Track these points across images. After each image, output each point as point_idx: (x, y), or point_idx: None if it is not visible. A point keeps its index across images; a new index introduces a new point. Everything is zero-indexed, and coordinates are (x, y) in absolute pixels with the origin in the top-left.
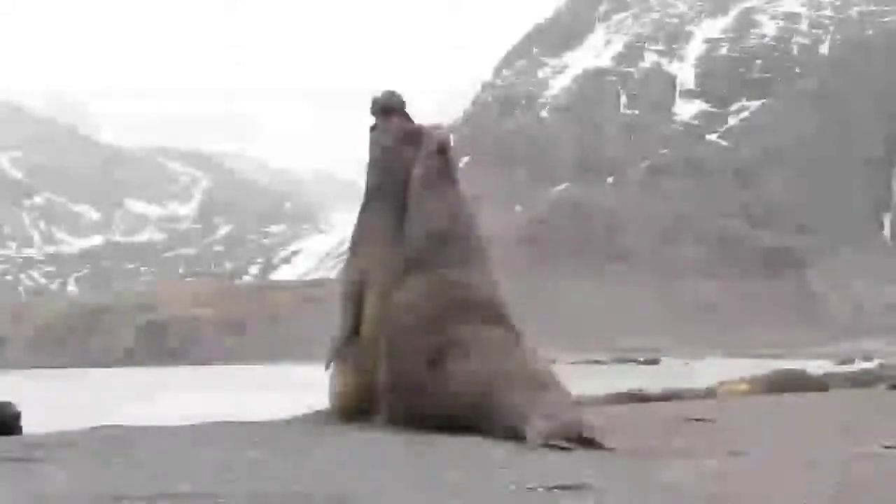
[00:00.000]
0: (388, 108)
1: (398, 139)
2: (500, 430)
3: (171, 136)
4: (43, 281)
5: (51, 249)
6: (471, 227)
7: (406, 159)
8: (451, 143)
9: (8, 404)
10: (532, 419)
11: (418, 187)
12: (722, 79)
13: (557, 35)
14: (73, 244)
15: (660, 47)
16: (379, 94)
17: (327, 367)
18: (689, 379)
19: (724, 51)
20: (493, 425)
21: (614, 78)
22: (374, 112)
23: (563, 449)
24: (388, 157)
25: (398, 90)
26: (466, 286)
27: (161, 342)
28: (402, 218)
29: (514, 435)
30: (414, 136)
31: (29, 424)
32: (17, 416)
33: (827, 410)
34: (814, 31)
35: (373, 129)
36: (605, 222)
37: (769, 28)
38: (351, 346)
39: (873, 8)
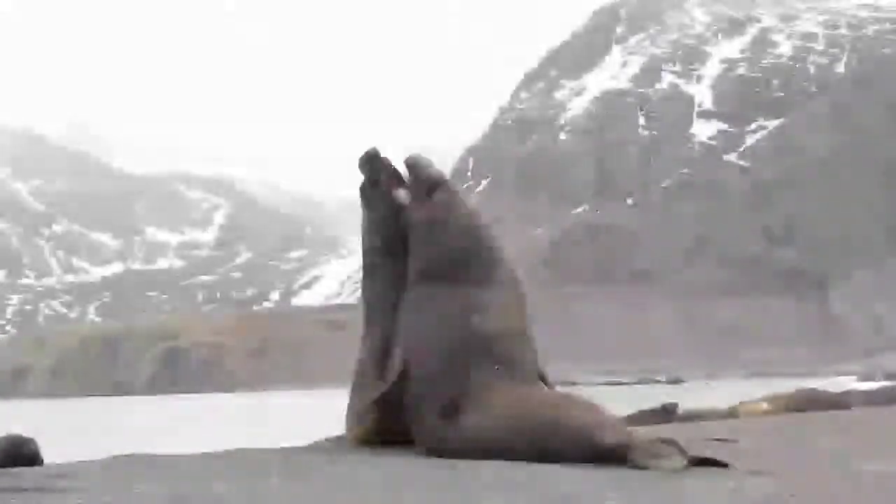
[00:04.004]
0: (377, 174)
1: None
2: (566, 449)
3: (190, 163)
4: (63, 310)
5: (70, 278)
6: (492, 242)
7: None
8: (443, 176)
9: (27, 440)
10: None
11: (425, 223)
12: (739, 99)
13: (575, 57)
14: (93, 273)
15: (677, 68)
16: (364, 161)
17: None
18: (711, 399)
19: (741, 71)
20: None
21: (632, 99)
22: (370, 179)
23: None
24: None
25: (375, 147)
26: (485, 311)
27: (182, 370)
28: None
29: (587, 451)
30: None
31: (51, 454)
32: (36, 454)
33: (848, 429)
34: (830, 50)
35: (365, 189)
36: (624, 243)
37: (785, 48)
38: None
39: (889, 27)
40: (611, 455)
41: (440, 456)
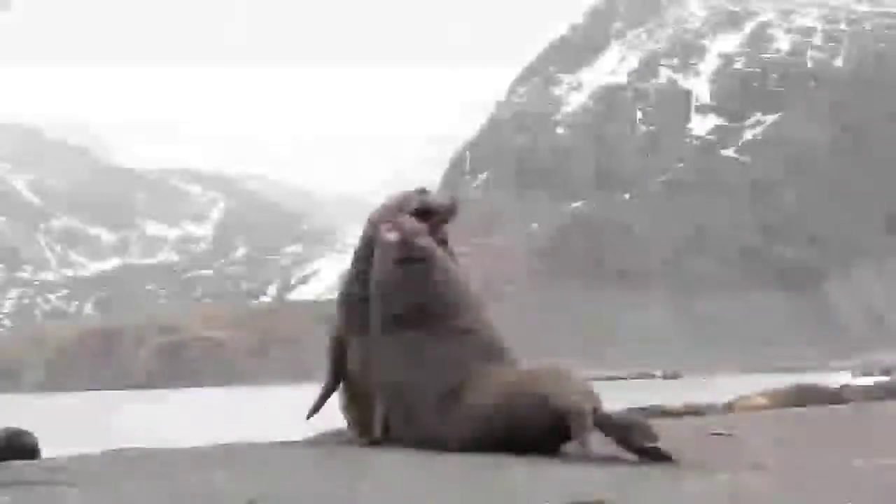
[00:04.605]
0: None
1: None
2: (533, 428)
3: (188, 158)
4: (60, 304)
5: (68, 273)
6: (465, 278)
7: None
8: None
9: (25, 433)
10: (568, 397)
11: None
12: (737, 93)
13: (573, 52)
14: (90, 267)
15: (675, 63)
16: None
17: (309, 418)
18: (708, 394)
19: (738, 65)
20: (526, 427)
21: (630, 94)
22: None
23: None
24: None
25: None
26: (470, 331)
27: (179, 364)
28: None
29: (545, 415)
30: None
31: (48, 448)
32: (35, 446)
33: (846, 424)
34: (828, 44)
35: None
36: (622, 238)
37: (783, 42)
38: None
39: (887, 21)
40: (567, 420)
41: (432, 447)
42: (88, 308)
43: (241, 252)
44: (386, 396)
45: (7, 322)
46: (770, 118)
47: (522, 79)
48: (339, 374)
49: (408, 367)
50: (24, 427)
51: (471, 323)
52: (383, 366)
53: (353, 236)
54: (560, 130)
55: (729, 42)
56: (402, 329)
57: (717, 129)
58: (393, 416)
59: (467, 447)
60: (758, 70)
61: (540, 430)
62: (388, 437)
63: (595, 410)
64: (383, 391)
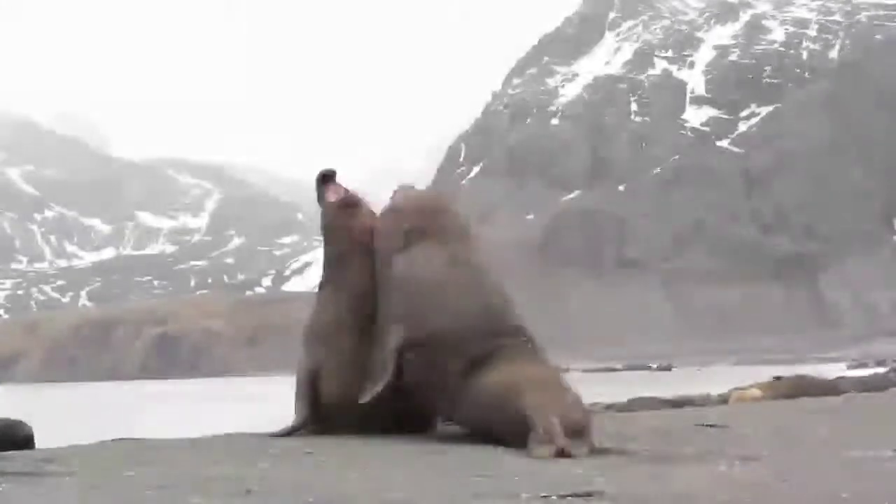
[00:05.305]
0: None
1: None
2: (513, 430)
3: (182, 148)
4: (55, 295)
5: (62, 263)
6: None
7: (347, 227)
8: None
9: (20, 423)
10: (543, 416)
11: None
12: (732, 85)
13: (567, 43)
14: (85, 258)
15: (670, 54)
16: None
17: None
18: (702, 385)
19: (733, 57)
20: (507, 427)
21: (624, 85)
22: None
23: (564, 456)
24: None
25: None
26: (477, 271)
27: (173, 355)
28: (356, 301)
29: (525, 434)
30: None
31: (42, 438)
32: (30, 436)
33: (839, 415)
34: (823, 36)
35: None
36: (616, 230)
37: (779, 34)
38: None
39: (882, 13)
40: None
41: (450, 421)
42: (83, 299)
43: (235, 243)
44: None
45: (1, 313)
46: (765, 110)
47: (517, 70)
48: (314, 407)
49: (434, 298)
50: (19, 418)
51: (469, 250)
52: (406, 284)
53: None
54: (555, 122)
55: (724, 33)
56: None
57: (711, 121)
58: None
59: (472, 420)
60: (753, 62)
61: (518, 436)
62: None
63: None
64: (409, 311)
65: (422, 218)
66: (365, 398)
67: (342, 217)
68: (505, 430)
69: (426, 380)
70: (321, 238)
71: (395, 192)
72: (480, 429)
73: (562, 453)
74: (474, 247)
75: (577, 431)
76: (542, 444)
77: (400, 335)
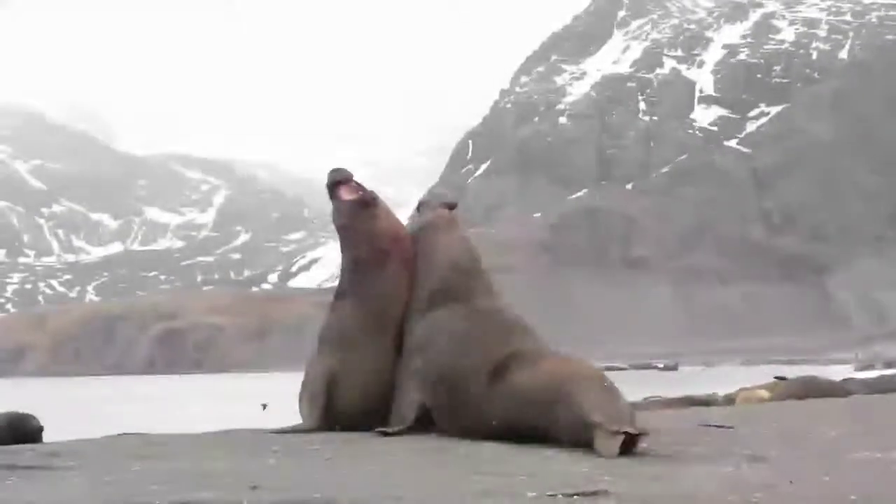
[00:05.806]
0: (336, 182)
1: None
2: (565, 430)
3: (190, 144)
4: (62, 289)
5: (70, 258)
6: (481, 264)
7: (367, 231)
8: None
9: (30, 417)
10: (602, 425)
11: (431, 232)
12: (741, 84)
13: (576, 42)
14: (92, 252)
15: (679, 53)
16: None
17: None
18: (709, 385)
19: (743, 56)
20: (558, 426)
21: (633, 84)
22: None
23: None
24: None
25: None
26: (499, 312)
27: (180, 350)
28: (379, 311)
29: (579, 436)
30: (367, 202)
31: (49, 432)
32: (39, 429)
33: (847, 417)
34: (833, 36)
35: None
36: (623, 228)
37: (788, 33)
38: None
39: (893, 13)
40: (595, 437)
41: (475, 432)
42: (90, 293)
43: (242, 239)
44: (431, 377)
45: (9, 307)
46: (774, 110)
47: (525, 68)
48: (328, 412)
49: (454, 345)
50: (27, 411)
51: (494, 302)
52: (427, 345)
53: None
54: (563, 120)
55: (733, 33)
56: (435, 308)
57: (720, 120)
58: (436, 395)
59: (511, 424)
60: (762, 61)
61: (567, 431)
62: (421, 424)
63: (625, 434)
64: (428, 371)
65: (448, 280)
66: (390, 433)
67: (360, 219)
68: (553, 427)
69: (447, 403)
70: (328, 234)
71: (422, 202)
72: (518, 432)
73: (632, 441)
74: (497, 307)
75: (631, 421)
76: (609, 437)
77: (419, 399)
